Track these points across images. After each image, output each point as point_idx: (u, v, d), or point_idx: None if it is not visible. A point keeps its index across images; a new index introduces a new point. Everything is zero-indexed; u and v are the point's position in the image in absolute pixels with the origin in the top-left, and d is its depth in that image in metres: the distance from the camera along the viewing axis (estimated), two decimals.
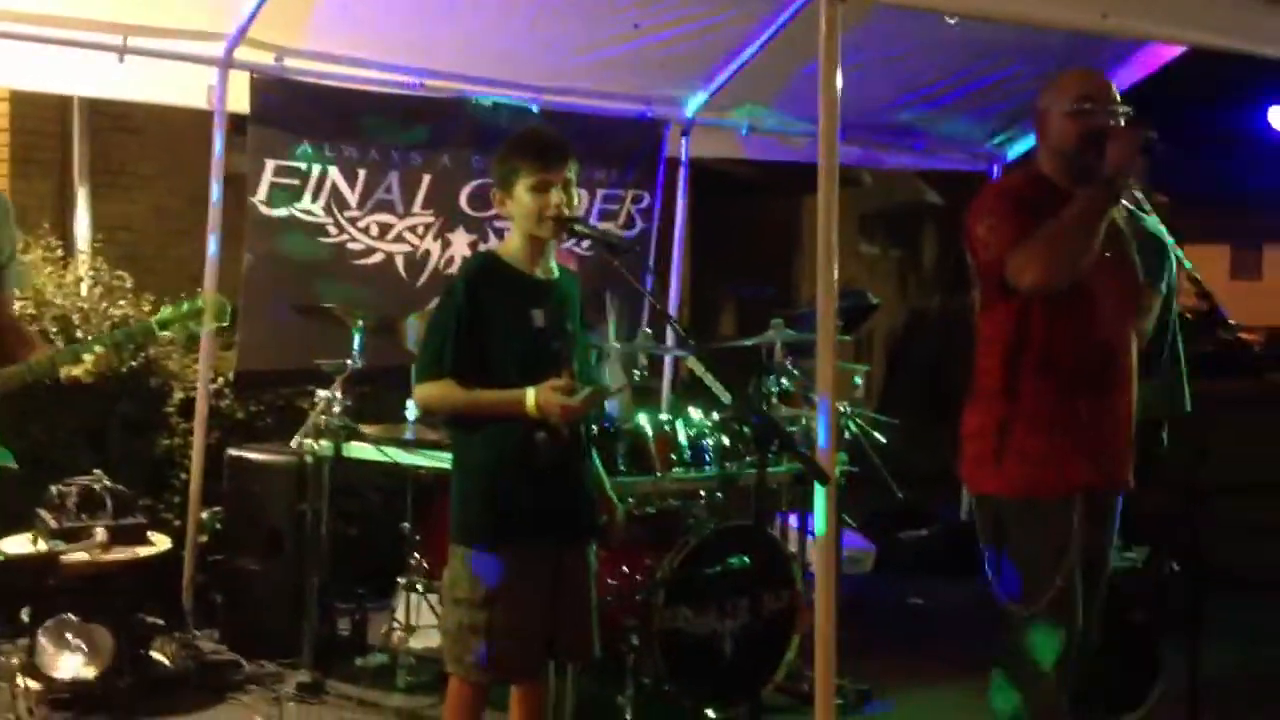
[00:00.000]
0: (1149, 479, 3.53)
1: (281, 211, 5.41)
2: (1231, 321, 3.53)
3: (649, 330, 5.55)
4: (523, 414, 3.20)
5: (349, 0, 4.98)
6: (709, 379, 3.25)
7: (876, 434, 5.36)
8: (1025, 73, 6.07)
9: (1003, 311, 3.36)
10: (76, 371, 3.42)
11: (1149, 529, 5.17)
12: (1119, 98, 3.39)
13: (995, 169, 7.04)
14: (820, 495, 3.28)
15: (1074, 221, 3.22)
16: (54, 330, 5.46)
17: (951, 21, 4.54)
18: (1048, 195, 3.34)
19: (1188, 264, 3.34)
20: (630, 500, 4.57)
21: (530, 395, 3.19)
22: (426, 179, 5.74)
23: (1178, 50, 5.53)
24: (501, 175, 3.33)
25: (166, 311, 3.61)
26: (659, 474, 4.69)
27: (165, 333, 3.65)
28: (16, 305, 4.49)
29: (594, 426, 3.60)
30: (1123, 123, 3.31)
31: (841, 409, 4.90)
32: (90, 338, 3.84)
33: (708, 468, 4.82)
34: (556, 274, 3.43)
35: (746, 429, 4.78)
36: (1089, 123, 3.31)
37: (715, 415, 4.93)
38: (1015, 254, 3.24)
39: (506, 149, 3.36)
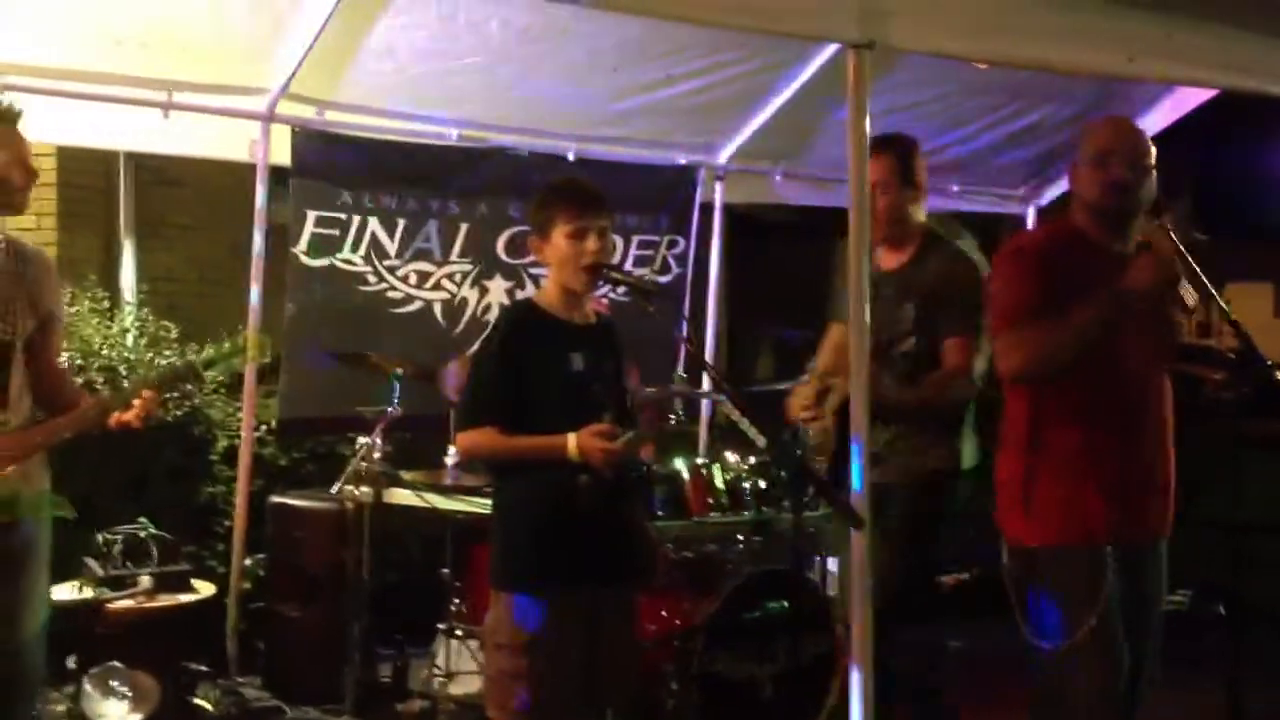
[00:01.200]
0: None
1: (322, 261, 5.50)
2: (1270, 362, 3.52)
3: (684, 375, 5.58)
4: (565, 459, 3.23)
5: (387, 54, 5.06)
6: (744, 423, 3.29)
7: None
8: (1056, 115, 6.09)
9: None
10: (127, 417, 3.48)
11: (1192, 571, 5.12)
12: (1145, 148, 3.40)
13: (1030, 211, 7.05)
14: (853, 538, 3.29)
15: (1074, 329, 3.23)
16: (100, 381, 5.55)
17: (983, 67, 4.57)
18: (1076, 248, 3.36)
19: (1224, 305, 3.34)
20: (668, 544, 4.59)
21: (572, 440, 3.22)
22: (464, 227, 5.82)
23: (1211, 92, 5.53)
24: (539, 222, 3.38)
25: (210, 351, 3.67)
26: (696, 518, 4.70)
27: (210, 372, 3.70)
28: (64, 357, 4.58)
29: (634, 470, 3.62)
30: (1143, 174, 3.33)
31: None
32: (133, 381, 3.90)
33: (745, 512, 4.83)
34: (595, 318, 3.48)
35: (782, 473, 4.80)
36: (1107, 173, 3.34)
37: (752, 459, 4.94)
38: (1001, 338, 3.28)
39: (544, 196, 3.41)
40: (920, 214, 4.21)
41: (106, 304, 6.15)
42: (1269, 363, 3.50)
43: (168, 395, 3.67)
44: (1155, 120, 5.89)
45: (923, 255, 4.13)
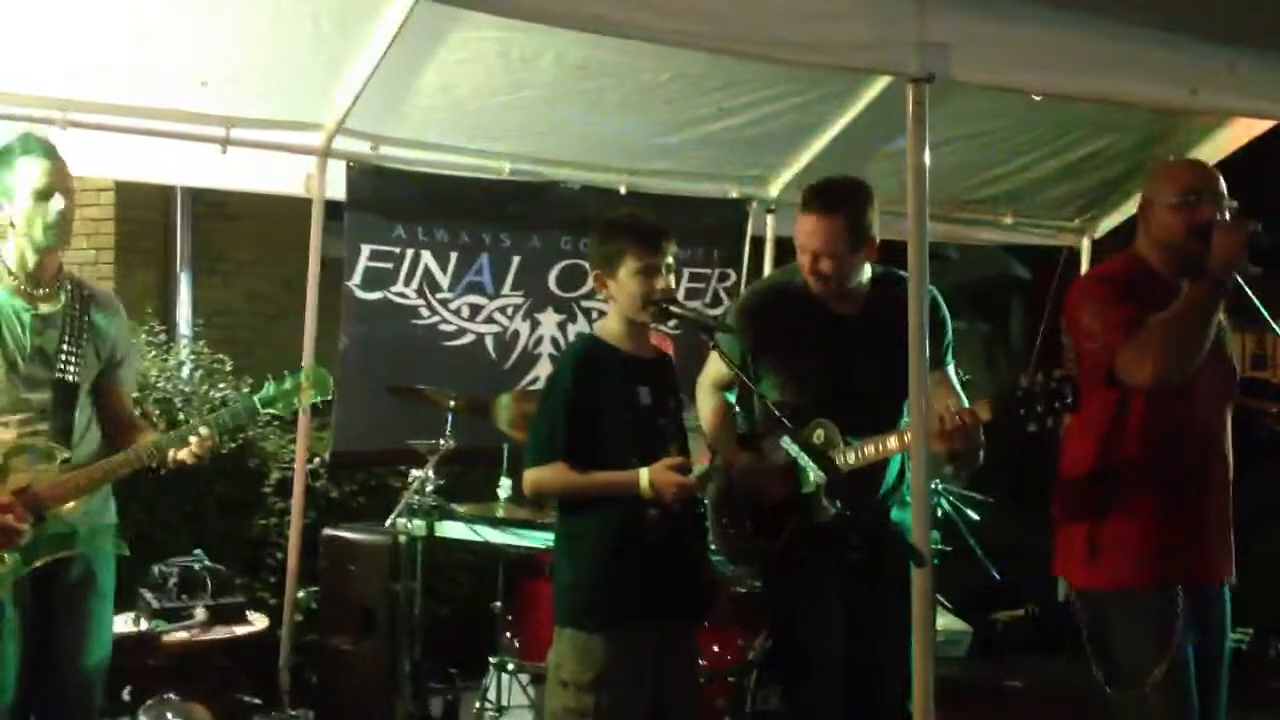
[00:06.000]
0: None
1: (376, 295, 5.53)
2: None
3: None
4: (636, 494, 3.22)
5: (441, 90, 5.09)
6: (803, 458, 3.25)
7: (970, 512, 5.29)
8: (1113, 146, 6.03)
9: (1100, 400, 3.31)
10: (182, 455, 3.50)
11: (1253, 609, 5.03)
12: (1225, 190, 3.35)
13: (1085, 243, 6.97)
14: (915, 576, 3.25)
15: (1187, 317, 3.16)
16: (157, 413, 5.61)
17: (1037, 99, 4.53)
18: (1150, 283, 3.31)
19: None
20: (723, 578, 4.55)
21: (644, 475, 3.22)
22: (516, 260, 5.84)
23: (1270, 123, 5.47)
24: (605, 257, 3.36)
25: (269, 389, 3.68)
26: None
27: (269, 410, 3.71)
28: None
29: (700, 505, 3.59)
30: (1229, 216, 3.29)
31: (934, 487, 4.85)
32: (194, 420, 3.93)
33: None
34: (655, 352, 3.47)
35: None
36: (1195, 215, 3.28)
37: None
38: (1126, 350, 3.19)
39: (610, 231, 3.39)
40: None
41: (163, 337, 6.21)
42: None
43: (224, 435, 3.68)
44: (1212, 151, 5.82)
45: (879, 294, 3.83)
